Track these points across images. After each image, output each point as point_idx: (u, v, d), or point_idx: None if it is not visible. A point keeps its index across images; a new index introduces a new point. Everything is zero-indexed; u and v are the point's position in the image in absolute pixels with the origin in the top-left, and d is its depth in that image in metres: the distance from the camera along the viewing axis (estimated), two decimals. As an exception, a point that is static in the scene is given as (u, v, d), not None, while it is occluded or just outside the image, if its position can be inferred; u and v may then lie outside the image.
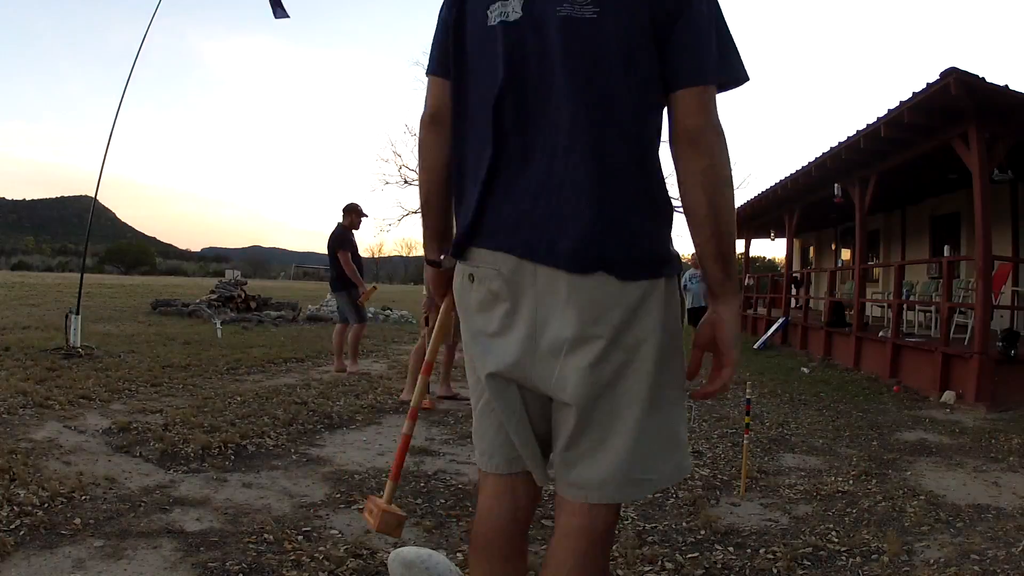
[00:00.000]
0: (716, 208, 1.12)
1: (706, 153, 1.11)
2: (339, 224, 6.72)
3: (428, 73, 1.32)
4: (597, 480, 1.15)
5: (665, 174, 1.20)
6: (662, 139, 1.17)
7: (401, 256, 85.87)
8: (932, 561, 2.38)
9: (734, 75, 1.18)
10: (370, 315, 13.82)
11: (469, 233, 1.20)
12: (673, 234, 1.23)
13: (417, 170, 1.48)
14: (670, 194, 1.20)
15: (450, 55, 1.26)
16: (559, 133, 1.13)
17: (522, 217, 1.14)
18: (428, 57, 1.33)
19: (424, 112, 1.32)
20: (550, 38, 1.13)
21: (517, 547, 1.29)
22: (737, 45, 1.18)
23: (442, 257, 1.33)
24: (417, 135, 1.43)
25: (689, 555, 2.39)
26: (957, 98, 5.54)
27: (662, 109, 1.17)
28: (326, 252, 6.64)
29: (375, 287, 6.71)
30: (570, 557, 1.16)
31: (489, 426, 1.27)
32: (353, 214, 6.76)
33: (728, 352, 1.17)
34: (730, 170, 1.14)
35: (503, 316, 1.16)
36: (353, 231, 6.73)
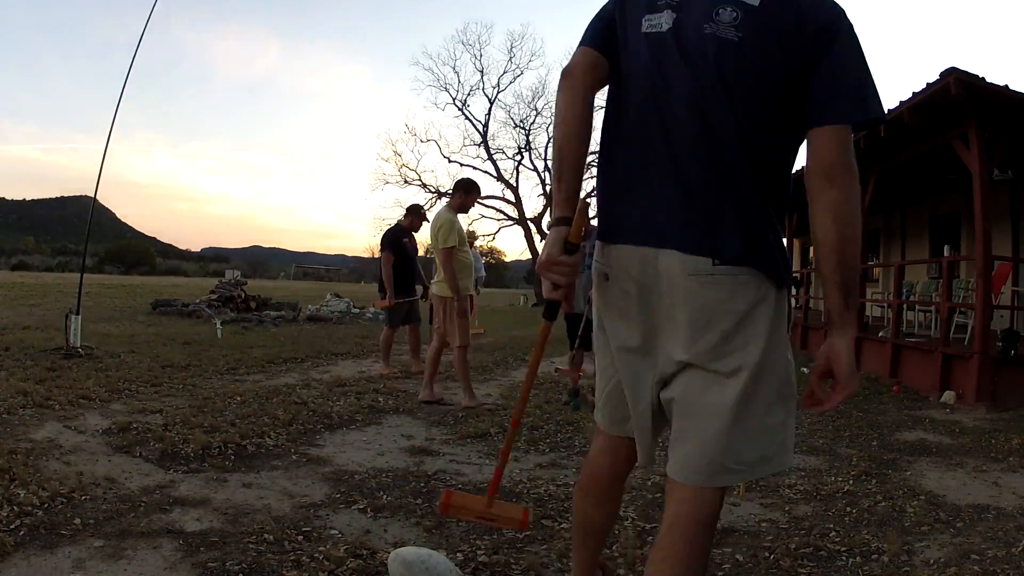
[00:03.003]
0: (844, 239, 1.19)
1: (839, 187, 1.18)
2: (398, 222, 6.51)
3: (580, 45, 1.42)
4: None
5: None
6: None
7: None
8: (932, 561, 2.38)
9: (874, 114, 1.20)
10: (369, 315, 13.80)
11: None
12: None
13: (553, 123, 1.55)
14: None
15: (604, 38, 1.39)
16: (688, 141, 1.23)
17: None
18: (583, 34, 1.44)
19: (565, 67, 1.42)
20: (692, 52, 1.23)
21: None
22: (875, 82, 1.20)
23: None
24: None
25: (689, 555, 2.39)
26: (957, 98, 5.53)
27: (793, 132, 1.26)
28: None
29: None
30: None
31: None
32: (415, 216, 6.54)
33: (844, 384, 1.25)
34: (859, 206, 1.20)
35: None
36: (413, 232, 6.53)
